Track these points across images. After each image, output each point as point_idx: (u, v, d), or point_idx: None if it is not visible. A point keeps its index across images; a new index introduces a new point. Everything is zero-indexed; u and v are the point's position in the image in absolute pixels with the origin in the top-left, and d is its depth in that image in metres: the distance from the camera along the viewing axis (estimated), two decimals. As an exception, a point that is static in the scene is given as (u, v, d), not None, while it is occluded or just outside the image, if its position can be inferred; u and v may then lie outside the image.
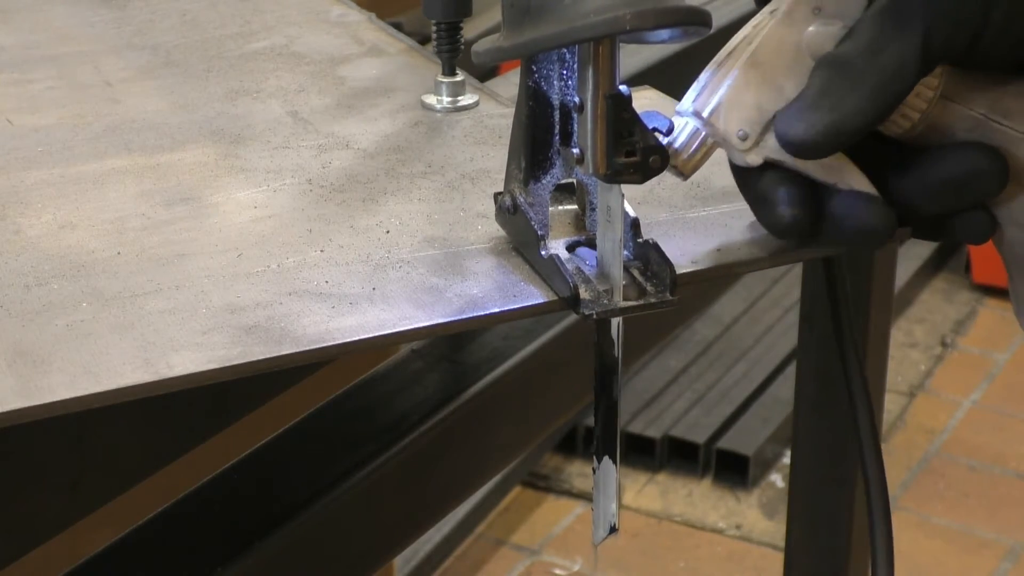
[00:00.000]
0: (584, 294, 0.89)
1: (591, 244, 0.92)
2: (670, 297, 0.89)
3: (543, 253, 0.91)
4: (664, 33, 0.87)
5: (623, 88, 0.86)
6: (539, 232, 0.92)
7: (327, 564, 1.10)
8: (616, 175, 0.86)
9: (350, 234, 0.97)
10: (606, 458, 0.94)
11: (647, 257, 0.90)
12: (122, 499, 1.01)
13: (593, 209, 0.93)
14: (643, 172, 0.86)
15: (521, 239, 0.94)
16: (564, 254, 0.92)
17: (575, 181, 0.94)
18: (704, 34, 0.85)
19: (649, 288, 0.89)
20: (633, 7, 0.82)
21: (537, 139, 0.92)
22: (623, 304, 0.88)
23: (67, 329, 0.86)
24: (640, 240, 0.91)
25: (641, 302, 0.89)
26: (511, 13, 0.87)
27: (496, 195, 0.96)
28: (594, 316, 0.88)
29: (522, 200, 0.93)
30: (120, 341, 0.84)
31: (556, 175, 0.93)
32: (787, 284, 3.85)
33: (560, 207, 0.95)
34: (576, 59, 0.89)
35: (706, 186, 1.03)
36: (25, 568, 0.98)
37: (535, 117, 0.91)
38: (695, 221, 0.99)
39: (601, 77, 0.86)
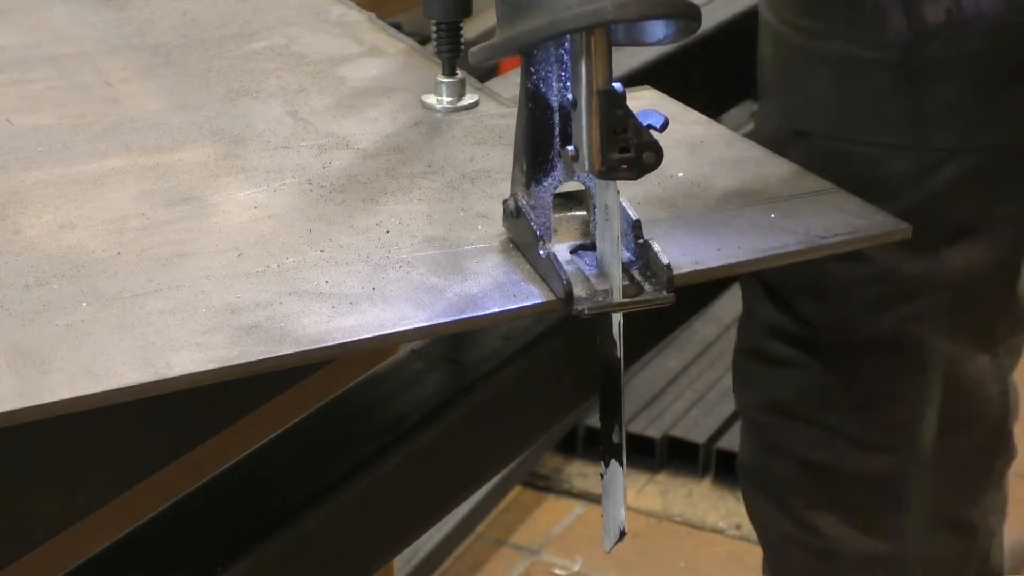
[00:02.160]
0: (579, 292, 0.89)
1: (595, 248, 0.92)
2: (666, 294, 0.88)
3: (541, 253, 0.91)
4: (658, 31, 0.87)
5: (616, 84, 0.86)
6: (538, 232, 0.92)
7: (327, 564, 1.10)
8: (610, 171, 0.86)
9: (350, 234, 0.97)
10: (613, 462, 0.94)
11: (647, 257, 0.90)
12: (122, 499, 1.01)
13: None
14: (637, 168, 0.86)
15: (523, 241, 0.94)
16: (565, 255, 0.92)
17: (584, 188, 0.94)
18: (695, 29, 0.85)
19: (647, 286, 0.89)
20: None
21: (537, 141, 0.92)
22: (616, 300, 0.88)
23: (67, 329, 0.86)
24: (641, 241, 0.91)
25: (636, 298, 0.89)
26: (504, 10, 0.88)
27: (505, 201, 0.96)
28: (585, 312, 0.88)
29: (524, 203, 0.93)
30: (120, 341, 0.84)
31: (558, 177, 0.93)
32: (787, 284, 3.84)
33: (569, 213, 0.95)
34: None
35: (706, 186, 1.04)
36: (25, 568, 0.98)
37: (535, 119, 0.91)
38: (695, 221, 0.99)
39: (593, 73, 0.86)
